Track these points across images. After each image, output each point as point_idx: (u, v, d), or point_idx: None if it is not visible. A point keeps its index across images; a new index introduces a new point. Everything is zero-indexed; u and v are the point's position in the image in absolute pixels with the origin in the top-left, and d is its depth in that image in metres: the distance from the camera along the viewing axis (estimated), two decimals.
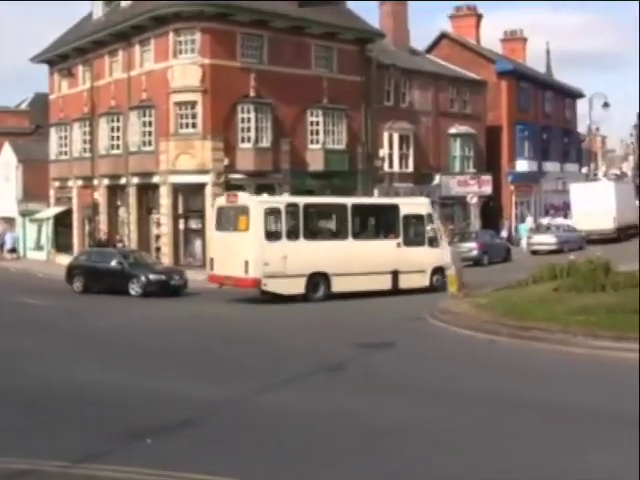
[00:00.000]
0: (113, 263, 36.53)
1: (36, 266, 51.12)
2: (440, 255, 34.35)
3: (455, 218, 59.08)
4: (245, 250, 30.96)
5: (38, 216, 57.67)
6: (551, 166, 73.83)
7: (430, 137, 56.84)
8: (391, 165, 52.88)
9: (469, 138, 59.74)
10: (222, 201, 34.27)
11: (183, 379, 16.41)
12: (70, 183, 53.60)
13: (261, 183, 44.22)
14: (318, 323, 26.37)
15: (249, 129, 43.61)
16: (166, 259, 43.32)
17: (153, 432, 11.91)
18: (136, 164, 45.55)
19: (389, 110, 52.73)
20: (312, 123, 47.09)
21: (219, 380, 16.38)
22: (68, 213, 54.65)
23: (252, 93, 43.79)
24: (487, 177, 60.96)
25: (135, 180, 46.59)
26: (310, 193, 47.07)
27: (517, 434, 12.06)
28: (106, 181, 49.69)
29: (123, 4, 49.62)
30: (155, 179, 44.67)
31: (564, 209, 66.82)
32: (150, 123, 44.75)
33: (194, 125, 43.24)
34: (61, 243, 55.59)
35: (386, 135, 52.59)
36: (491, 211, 62.78)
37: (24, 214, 59.52)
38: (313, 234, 33.16)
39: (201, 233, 43.58)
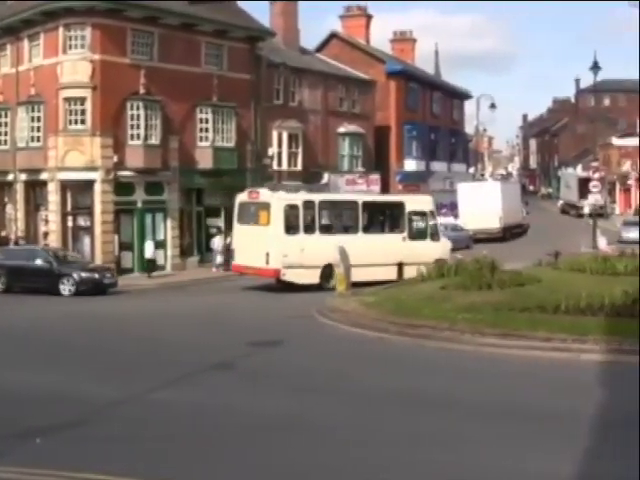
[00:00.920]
0: (39, 262, 35.90)
1: None
2: (441, 248, 37.35)
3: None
4: (266, 243, 33.59)
5: None
6: (439, 166, 75.28)
7: (319, 136, 57.41)
8: (280, 163, 53.24)
9: (358, 137, 60.48)
10: (244, 197, 36.62)
11: (76, 377, 16.52)
12: None
13: (150, 180, 44.28)
14: (210, 320, 26.40)
15: (138, 126, 43.43)
16: None
17: (43, 431, 11.94)
18: (24, 160, 44.90)
19: (278, 108, 53.12)
20: (201, 120, 47.11)
21: (112, 378, 16.46)
22: None
23: (142, 90, 43.61)
24: (375, 176, 61.70)
25: (23, 176, 45.99)
26: (199, 191, 47.49)
27: (403, 428, 12.47)
28: None
29: None
30: (43, 175, 44.13)
31: (451, 209, 68.41)
32: (39, 119, 44.20)
33: (83, 121, 42.88)
34: None
35: (275, 133, 52.94)
36: None
37: None
38: (327, 229, 35.92)
39: (90, 230, 43.23)
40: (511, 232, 63.50)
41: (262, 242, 33.64)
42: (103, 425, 12.78)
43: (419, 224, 38.52)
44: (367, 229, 36.83)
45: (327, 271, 33.71)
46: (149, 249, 43.35)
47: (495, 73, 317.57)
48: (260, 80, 50.85)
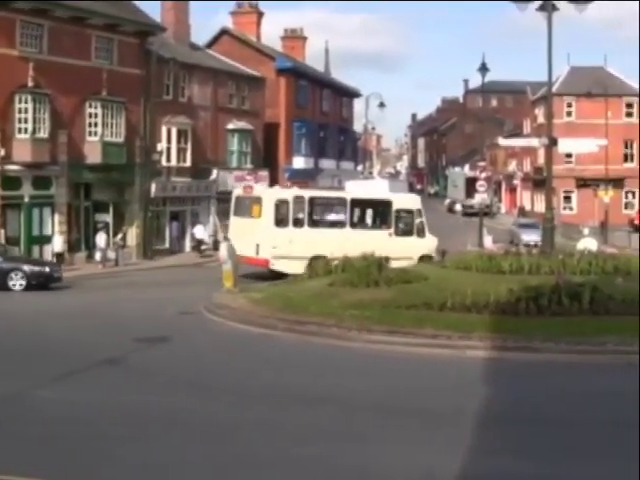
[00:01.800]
0: None
1: None
2: (426, 245, 38.70)
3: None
4: (257, 234, 35.76)
5: None
6: (327, 163, 75.88)
7: (208, 132, 57.41)
8: (169, 159, 52.99)
9: (247, 134, 60.64)
10: (239, 191, 39.96)
11: None
12: None
13: (38, 175, 43.74)
14: (96, 316, 26.04)
15: (26, 120, 42.79)
16: None
17: None
18: None
19: (168, 104, 52.87)
20: (91, 115, 46.67)
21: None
22: None
23: (30, 83, 42.96)
24: (264, 173, 61.79)
25: None
26: (87, 186, 47.14)
27: (287, 424, 12.70)
28: None
29: None
30: None
31: None
32: None
33: None
34: None
35: (164, 129, 52.73)
36: None
37: None
38: (315, 223, 37.92)
39: None
40: None
41: (253, 234, 35.85)
42: None
43: (406, 221, 40.04)
44: (355, 224, 38.76)
45: (314, 262, 34.50)
46: (57, 243, 43.39)
47: (386, 72, 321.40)
48: (150, 75, 50.50)
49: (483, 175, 57.10)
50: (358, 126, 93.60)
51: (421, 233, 39.74)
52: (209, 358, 18.87)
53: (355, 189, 64.67)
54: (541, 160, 68.04)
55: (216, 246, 45.54)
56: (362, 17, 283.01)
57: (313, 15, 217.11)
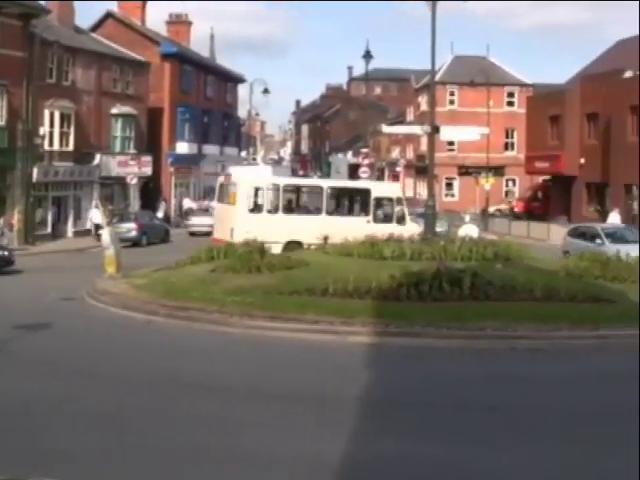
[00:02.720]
0: None
1: None
2: (406, 232, 37.70)
3: (115, 198, 59.67)
4: (232, 219, 36.20)
5: None
6: (211, 149, 75.83)
7: (92, 116, 56.65)
8: (51, 143, 52.05)
9: (131, 119, 60.08)
10: (222, 179, 41.26)
11: None
12: None
13: None
14: None
15: None
16: None
17: None
18: None
19: (51, 88, 51.95)
20: None
21: None
22: None
23: None
24: (148, 158, 61.48)
25: None
26: None
27: (170, 411, 12.67)
28: None
29: None
30: None
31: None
32: None
33: None
34: None
35: (47, 113, 51.77)
36: (151, 192, 63.91)
37: None
38: (291, 209, 38.87)
39: None
40: None
41: (229, 219, 36.68)
42: None
43: (385, 209, 40.64)
44: (331, 212, 39.32)
45: (290, 247, 34.90)
46: None
47: (271, 59, 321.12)
48: (33, 58, 49.54)
49: (366, 162, 57.59)
50: (242, 112, 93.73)
51: (401, 221, 39.57)
52: (91, 345, 18.62)
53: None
54: (424, 147, 68.95)
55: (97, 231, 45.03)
56: (247, 3, 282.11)
57: (198, 1, 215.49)
